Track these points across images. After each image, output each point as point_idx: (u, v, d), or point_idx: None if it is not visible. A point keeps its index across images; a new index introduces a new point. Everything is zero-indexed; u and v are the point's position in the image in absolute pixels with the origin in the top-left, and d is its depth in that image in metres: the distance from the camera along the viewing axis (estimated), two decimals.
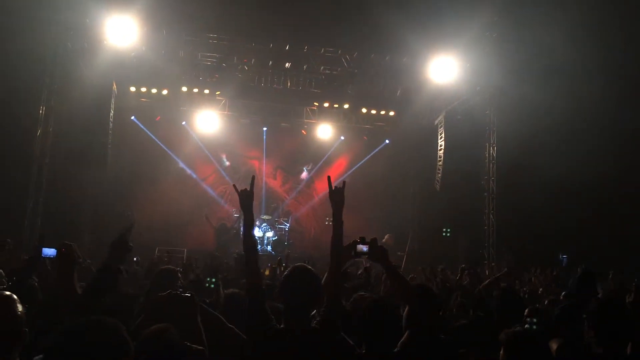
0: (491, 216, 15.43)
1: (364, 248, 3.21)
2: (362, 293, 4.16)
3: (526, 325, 2.86)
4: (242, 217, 3.31)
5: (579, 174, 12.94)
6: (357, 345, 3.11)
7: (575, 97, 12.45)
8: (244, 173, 19.73)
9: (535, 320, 2.88)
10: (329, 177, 3.21)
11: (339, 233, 3.11)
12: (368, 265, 7.29)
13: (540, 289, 7.77)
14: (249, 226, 3.17)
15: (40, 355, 2.28)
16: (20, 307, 2.23)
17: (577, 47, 12.11)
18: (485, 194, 15.68)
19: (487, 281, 6.21)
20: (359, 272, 7.38)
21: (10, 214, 12.42)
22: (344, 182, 3.22)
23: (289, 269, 3.23)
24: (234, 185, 3.38)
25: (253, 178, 3.38)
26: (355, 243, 3.19)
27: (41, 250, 2.83)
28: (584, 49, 12.03)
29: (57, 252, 2.81)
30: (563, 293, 6.12)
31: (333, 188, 3.17)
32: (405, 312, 3.23)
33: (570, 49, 12.24)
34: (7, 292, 2.28)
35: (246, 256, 3.11)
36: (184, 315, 3.12)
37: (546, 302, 5.59)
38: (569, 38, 12.17)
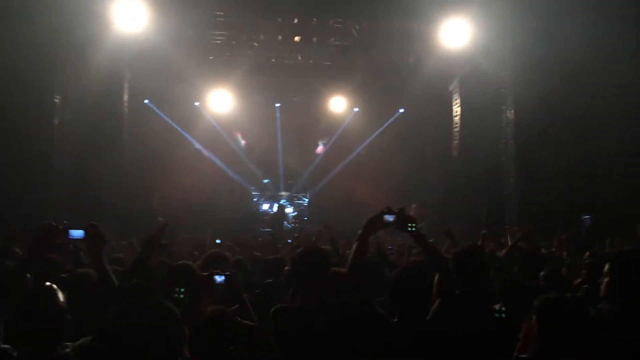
0: (511, 180, 15.23)
1: (390, 218, 3.17)
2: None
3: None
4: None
5: (601, 128, 12.58)
6: (390, 314, 3.12)
7: (595, 50, 12.03)
8: (259, 151, 19.75)
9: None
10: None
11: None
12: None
13: (565, 253, 7.67)
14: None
15: (89, 337, 2.33)
16: (61, 297, 2.34)
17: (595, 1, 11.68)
18: (504, 158, 15.45)
19: (507, 248, 6.21)
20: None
21: (32, 205, 12.45)
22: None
23: (298, 251, 3.30)
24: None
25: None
26: (382, 213, 3.16)
27: (68, 232, 2.86)
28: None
29: (84, 233, 2.86)
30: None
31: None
32: (435, 279, 3.22)
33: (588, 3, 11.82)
34: (48, 283, 2.37)
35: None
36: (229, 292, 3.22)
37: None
38: None
